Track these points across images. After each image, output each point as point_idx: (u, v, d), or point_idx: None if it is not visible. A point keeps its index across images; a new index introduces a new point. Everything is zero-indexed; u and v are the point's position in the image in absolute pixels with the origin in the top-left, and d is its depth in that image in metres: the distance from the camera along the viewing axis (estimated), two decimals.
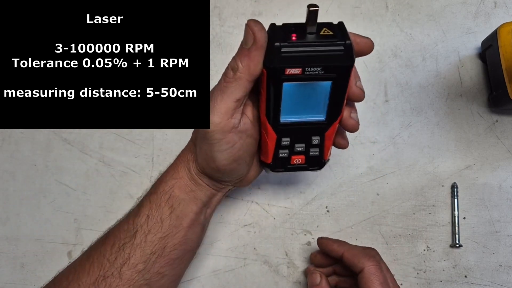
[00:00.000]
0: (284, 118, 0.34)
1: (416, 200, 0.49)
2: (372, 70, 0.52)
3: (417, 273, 0.47)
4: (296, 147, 0.37)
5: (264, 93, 0.33)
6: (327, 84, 0.32)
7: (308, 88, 0.33)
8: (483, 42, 0.51)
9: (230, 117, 0.33)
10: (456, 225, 0.48)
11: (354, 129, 0.36)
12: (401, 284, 0.47)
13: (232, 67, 0.32)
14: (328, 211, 0.49)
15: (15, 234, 0.48)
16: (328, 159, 0.39)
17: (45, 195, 0.49)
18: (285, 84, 0.32)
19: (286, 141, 0.36)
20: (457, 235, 0.48)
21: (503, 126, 0.51)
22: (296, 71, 0.31)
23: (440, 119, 0.51)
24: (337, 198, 0.49)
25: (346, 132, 0.38)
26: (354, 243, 0.45)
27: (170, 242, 0.37)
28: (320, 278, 0.43)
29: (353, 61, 0.31)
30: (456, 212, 0.48)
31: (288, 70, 0.31)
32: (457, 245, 0.48)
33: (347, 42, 0.30)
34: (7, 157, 0.50)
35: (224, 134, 0.33)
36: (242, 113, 0.35)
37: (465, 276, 0.47)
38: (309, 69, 0.31)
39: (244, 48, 0.31)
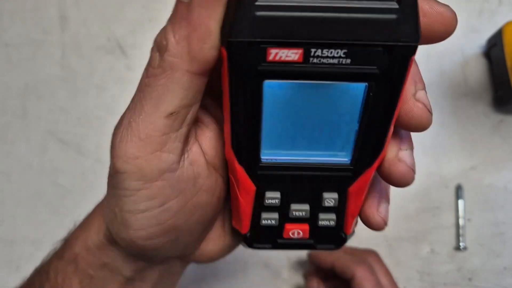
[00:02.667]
0: (268, 155, 0.20)
1: (420, 202, 0.48)
2: None
3: (421, 276, 0.47)
4: (293, 209, 0.22)
5: (227, 101, 0.18)
6: (357, 88, 0.17)
7: (318, 96, 0.18)
8: (488, 40, 0.51)
9: (158, 148, 0.19)
10: (461, 227, 0.48)
11: (404, 179, 0.20)
12: (404, 287, 0.47)
13: (158, 46, 0.18)
14: None
15: (11, 236, 0.48)
16: (353, 232, 0.24)
17: (41, 196, 0.49)
18: (267, 84, 0.17)
19: (273, 197, 0.21)
20: (461, 237, 0.47)
21: (508, 126, 0.50)
22: (291, 54, 0.16)
23: (444, 119, 0.50)
24: None
25: (384, 199, 0.22)
26: (356, 246, 0.45)
27: None
28: (317, 285, 0.43)
29: (418, 39, 0.16)
30: (460, 214, 0.48)
31: (272, 51, 0.16)
32: (462, 248, 0.47)
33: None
34: (2, 158, 0.50)
35: (145, 181, 0.19)
36: (186, 143, 0.20)
37: (470, 279, 0.47)
38: (318, 53, 0.16)
39: (181, 2, 0.17)
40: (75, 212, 0.48)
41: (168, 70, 0.17)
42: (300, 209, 0.22)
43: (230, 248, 0.26)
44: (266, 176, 0.20)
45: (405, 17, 0.15)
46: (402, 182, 0.20)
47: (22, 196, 0.49)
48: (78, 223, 0.28)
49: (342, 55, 0.16)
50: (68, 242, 0.27)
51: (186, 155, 0.20)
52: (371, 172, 0.20)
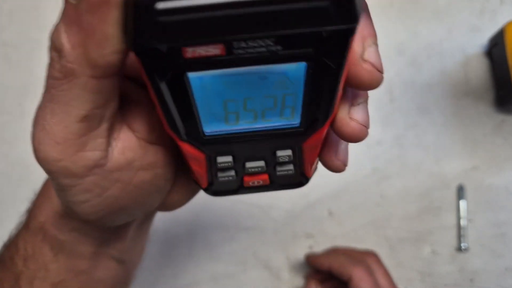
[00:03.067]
0: (211, 128, 0.19)
1: (421, 202, 0.48)
2: None
3: (422, 277, 0.47)
4: (249, 167, 0.21)
5: (152, 93, 0.17)
6: (298, 67, 0.16)
7: (254, 76, 0.17)
8: (490, 40, 0.51)
9: (80, 149, 0.18)
10: (462, 227, 0.47)
11: (356, 137, 0.19)
12: None
13: (54, 47, 0.16)
14: (330, 214, 0.48)
15: None
16: (316, 169, 0.24)
17: None
18: (191, 75, 0.16)
19: (225, 161, 0.21)
20: (463, 238, 0.47)
21: (509, 126, 0.50)
22: (211, 49, 0.15)
23: (446, 119, 0.50)
24: (340, 201, 0.49)
25: (343, 143, 0.22)
26: (356, 246, 0.45)
27: (71, 287, 0.27)
28: (315, 287, 0.43)
29: (356, 19, 0.14)
30: (462, 214, 0.48)
31: (188, 49, 0.15)
32: (463, 248, 0.47)
33: None
34: (1, 158, 0.49)
35: (75, 179, 0.18)
36: (111, 133, 0.19)
37: (471, 280, 0.47)
38: (242, 44, 0.15)
39: (68, 3, 0.15)
40: None
41: (70, 76, 0.16)
42: (255, 166, 0.21)
43: (195, 191, 0.25)
44: (214, 146, 0.20)
45: (339, 1, 0.14)
46: (354, 139, 0.20)
47: (20, 197, 0.49)
48: (37, 191, 0.28)
49: (271, 43, 0.15)
50: (32, 212, 0.27)
51: (114, 145, 0.19)
52: (323, 130, 0.20)
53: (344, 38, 0.15)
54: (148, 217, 0.29)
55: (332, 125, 0.20)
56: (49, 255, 0.26)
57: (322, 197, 0.49)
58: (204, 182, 0.22)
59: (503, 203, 0.48)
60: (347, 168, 0.23)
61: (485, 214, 0.48)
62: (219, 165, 0.21)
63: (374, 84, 0.18)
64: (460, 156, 0.49)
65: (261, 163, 0.21)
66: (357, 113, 0.19)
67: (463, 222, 0.47)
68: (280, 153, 0.21)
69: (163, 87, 0.16)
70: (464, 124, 0.50)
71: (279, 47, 0.15)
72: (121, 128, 0.19)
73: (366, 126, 0.19)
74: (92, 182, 0.19)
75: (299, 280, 0.47)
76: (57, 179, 0.19)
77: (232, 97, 0.17)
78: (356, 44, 0.17)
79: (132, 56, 0.16)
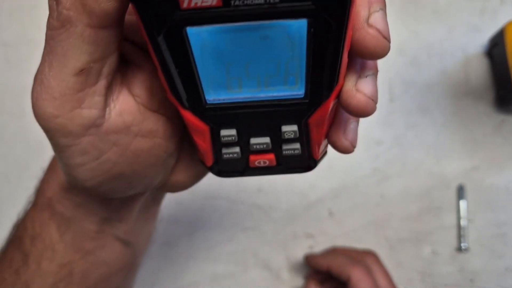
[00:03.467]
0: (213, 96, 0.18)
1: (422, 202, 0.48)
2: None
3: (422, 277, 0.47)
4: (254, 143, 0.21)
5: (152, 51, 0.16)
6: (299, 25, 0.16)
7: (254, 35, 0.16)
8: (490, 40, 0.51)
9: (77, 105, 0.17)
10: (462, 227, 0.47)
11: (362, 110, 0.19)
12: None
13: None
14: (330, 214, 0.48)
15: None
16: (325, 154, 0.24)
17: None
18: (189, 30, 0.15)
19: (229, 135, 0.20)
20: (463, 238, 0.47)
21: (510, 126, 0.50)
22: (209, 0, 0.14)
23: (446, 119, 0.50)
24: (340, 201, 0.48)
25: (352, 119, 0.21)
26: (356, 246, 0.45)
27: (77, 268, 0.27)
28: (314, 287, 0.43)
29: None
30: (462, 214, 0.48)
31: (185, 0, 0.14)
32: (463, 249, 0.47)
33: None
34: (0, 158, 0.49)
35: (71, 138, 0.18)
36: (109, 93, 0.19)
37: (471, 280, 0.47)
38: None
39: None
40: None
41: (67, 24, 0.16)
42: (260, 142, 0.21)
43: (201, 174, 0.25)
44: (217, 116, 0.19)
45: None
46: (361, 113, 0.19)
47: (20, 197, 0.49)
48: (45, 168, 0.28)
49: None
50: (40, 188, 0.27)
51: (112, 106, 0.19)
52: (329, 103, 0.19)
53: None
54: (154, 200, 0.29)
55: (339, 98, 0.19)
56: (56, 235, 0.26)
57: (322, 197, 0.49)
58: (209, 160, 0.22)
59: (503, 203, 0.48)
60: (345, 168, 0.22)
61: (485, 214, 0.48)
62: (223, 139, 0.20)
63: (379, 52, 0.17)
64: (460, 156, 0.49)
65: (266, 139, 0.21)
66: (364, 85, 0.18)
67: (463, 222, 0.47)
68: (285, 128, 0.20)
69: (161, 42, 0.16)
70: (464, 124, 0.50)
71: (277, 0, 0.14)
72: (121, 90, 0.19)
73: (373, 99, 0.18)
74: (89, 142, 0.18)
75: (299, 280, 0.47)
76: (54, 138, 0.18)
77: (233, 59, 0.17)
78: (362, 8, 0.16)
79: (134, 18, 0.16)
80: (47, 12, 0.16)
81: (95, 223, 0.26)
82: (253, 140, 0.21)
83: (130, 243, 0.29)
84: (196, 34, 0.16)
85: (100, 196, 0.23)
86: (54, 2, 0.16)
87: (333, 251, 0.44)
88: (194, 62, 0.17)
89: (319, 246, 0.47)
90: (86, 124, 0.18)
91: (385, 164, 0.49)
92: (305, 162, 0.23)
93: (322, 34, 0.16)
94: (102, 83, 0.18)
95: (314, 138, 0.21)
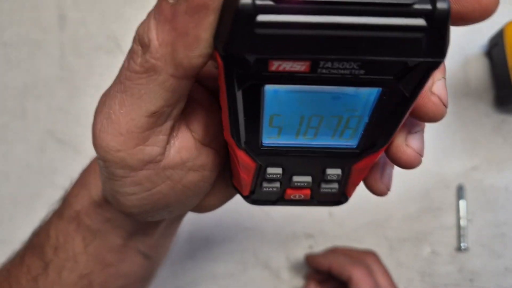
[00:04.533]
0: (269, 141, 0.19)
1: (421, 203, 0.48)
2: None
3: (422, 277, 0.47)
4: (295, 181, 0.21)
5: (224, 98, 0.17)
6: (371, 91, 0.16)
7: (325, 96, 0.17)
8: (490, 40, 0.51)
9: (141, 143, 0.18)
10: (462, 227, 0.47)
11: (410, 164, 0.19)
12: None
13: (140, 41, 0.16)
14: (330, 214, 0.48)
15: (9, 238, 0.48)
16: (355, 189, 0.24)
17: (40, 196, 0.48)
18: (268, 89, 0.16)
19: (275, 173, 0.21)
20: (462, 238, 0.47)
21: (509, 126, 0.50)
22: (297, 66, 0.15)
23: (445, 119, 0.49)
24: None
25: (389, 165, 0.22)
26: (356, 246, 0.45)
27: (97, 279, 0.27)
28: (314, 287, 0.43)
29: (444, 55, 0.15)
30: (461, 214, 0.47)
31: (274, 62, 0.15)
32: (463, 248, 0.47)
33: (437, 5, 0.14)
34: (0, 158, 0.49)
35: (129, 170, 0.19)
36: (171, 132, 0.19)
37: (471, 280, 0.47)
38: (328, 65, 0.15)
39: (165, 2, 0.15)
40: None
41: (151, 71, 0.16)
42: (302, 180, 0.21)
43: (230, 197, 0.25)
44: (268, 157, 0.20)
45: (433, 35, 0.14)
46: (408, 167, 0.19)
47: (20, 197, 0.49)
48: (73, 180, 0.28)
49: (356, 67, 0.15)
50: (67, 200, 0.27)
51: (172, 143, 0.19)
52: (378, 154, 0.20)
53: (428, 71, 0.15)
54: (178, 217, 0.30)
55: (387, 151, 0.19)
56: (80, 246, 0.26)
57: None
58: (246, 190, 0.23)
59: (503, 203, 0.48)
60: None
61: (485, 214, 0.48)
62: (267, 175, 0.21)
63: (437, 117, 0.18)
64: (460, 156, 0.49)
65: (308, 179, 0.21)
66: (414, 141, 0.19)
67: (463, 222, 0.47)
68: (329, 171, 0.21)
69: (238, 95, 0.16)
70: (464, 124, 0.50)
71: (362, 71, 0.15)
72: (180, 126, 0.19)
73: (420, 154, 0.19)
74: (145, 176, 0.19)
75: (299, 281, 0.47)
76: (110, 168, 0.19)
77: (299, 113, 0.17)
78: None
79: None
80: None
81: (121, 237, 0.26)
82: (296, 178, 0.21)
83: (151, 257, 0.29)
84: (273, 90, 0.16)
85: (136, 219, 0.24)
86: (140, 48, 0.16)
87: (334, 251, 0.44)
88: (263, 112, 0.17)
89: (319, 246, 0.47)
90: (146, 160, 0.18)
91: None
92: (337, 198, 0.24)
93: (393, 102, 0.17)
94: (168, 124, 0.18)
95: (353, 180, 0.22)
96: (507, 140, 0.50)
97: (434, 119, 0.18)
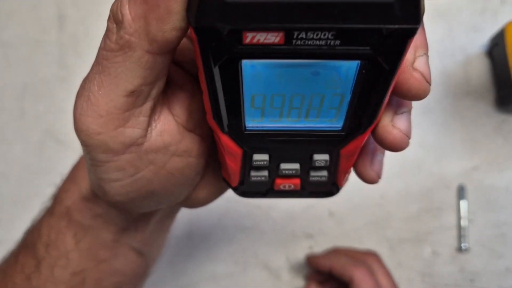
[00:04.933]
0: (253, 123, 0.19)
1: (422, 203, 0.48)
2: None
3: (422, 277, 0.47)
4: (283, 168, 0.21)
5: (203, 78, 0.17)
6: (351, 65, 0.16)
7: (304, 71, 0.17)
8: (491, 40, 0.51)
9: (121, 124, 0.18)
10: (463, 228, 0.47)
11: (397, 145, 0.19)
12: None
13: (114, 17, 0.16)
14: (330, 214, 0.48)
15: (8, 238, 0.47)
16: (346, 180, 0.24)
17: (39, 197, 0.48)
18: (245, 63, 0.16)
19: (261, 159, 0.20)
20: (463, 238, 0.47)
21: (510, 126, 0.50)
22: (271, 37, 0.14)
23: (446, 119, 0.50)
24: (340, 201, 0.48)
25: (379, 151, 0.22)
26: (356, 247, 0.45)
27: (90, 276, 0.27)
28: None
29: (419, 21, 0.15)
30: (462, 215, 0.47)
31: (248, 34, 0.14)
32: (464, 249, 0.47)
33: None
34: (0, 158, 0.49)
35: (111, 155, 0.18)
36: (152, 114, 0.19)
37: (471, 281, 0.46)
38: (302, 35, 0.14)
39: None
40: None
41: (126, 48, 0.16)
42: (290, 168, 0.21)
43: (221, 192, 0.25)
44: (253, 142, 0.20)
45: (406, 0, 0.14)
46: (395, 148, 0.19)
47: (19, 197, 0.49)
48: (64, 177, 0.28)
49: (330, 37, 0.15)
50: (58, 197, 0.27)
51: (153, 126, 0.19)
52: (364, 136, 0.19)
53: (404, 39, 0.15)
54: (170, 212, 0.30)
55: (374, 132, 0.19)
56: (72, 242, 0.26)
57: None
58: (235, 181, 0.22)
59: (504, 203, 0.48)
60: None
61: (485, 214, 0.48)
62: (254, 163, 0.21)
63: (421, 94, 0.17)
64: (461, 156, 0.49)
65: (296, 166, 0.21)
66: (400, 121, 0.19)
67: (463, 222, 0.47)
68: (317, 156, 0.20)
69: (215, 72, 0.16)
70: (465, 124, 0.50)
71: (337, 42, 0.15)
72: (162, 109, 0.19)
73: (407, 135, 0.19)
74: (127, 160, 0.19)
75: (299, 281, 0.47)
76: (92, 153, 0.18)
77: (280, 92, 0.17)
78: (408, 52, 0.17)
79: (183, 41, 0.16)
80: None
81: (112, 232, 0.26)
82: (283, 166, 0.21)
83: (144, 253, 0.29)
84: (250, 66, 0.16)
85: (124, 210, 0.24)
86: (115, 26, 0.16)
87: (335, 252, 0.44)
88: (242, 91, 0.17)
89: (319, 246, 0.47)
90: (127, 142, 0.18)
91: (385, 164, 0.49)
92: (328, 188, 0.23)
93: (373, 75, 0.16)
94: (148, 105, 0.18)
95: (342, 167, 0.21)
96: (507, 140, 0.50)
97: (417, 96, 0.17)
